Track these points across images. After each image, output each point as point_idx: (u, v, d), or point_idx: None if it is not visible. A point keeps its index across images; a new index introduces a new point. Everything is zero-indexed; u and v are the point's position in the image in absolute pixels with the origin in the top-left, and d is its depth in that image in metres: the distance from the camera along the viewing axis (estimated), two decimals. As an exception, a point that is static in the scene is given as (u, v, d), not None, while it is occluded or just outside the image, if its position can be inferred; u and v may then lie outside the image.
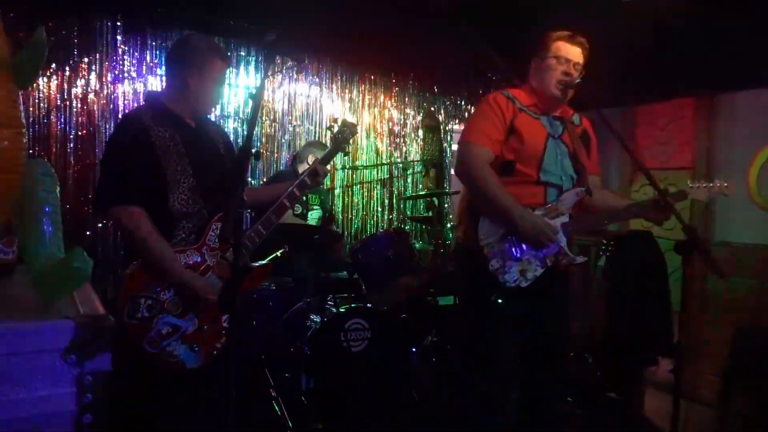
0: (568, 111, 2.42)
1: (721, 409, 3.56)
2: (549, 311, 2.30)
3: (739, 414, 3.39)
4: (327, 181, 4.47)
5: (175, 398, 1.99)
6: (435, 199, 4.74)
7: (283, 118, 4.28)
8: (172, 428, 1.95)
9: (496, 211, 2.19)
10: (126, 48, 3.61)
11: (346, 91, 4.55)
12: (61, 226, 1.77)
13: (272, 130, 4.26)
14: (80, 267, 1.69)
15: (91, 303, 1.76)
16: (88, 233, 3.49)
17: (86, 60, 3.48)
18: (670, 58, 3.60)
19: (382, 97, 4.73)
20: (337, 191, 4.56)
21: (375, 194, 4.75)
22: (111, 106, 3.57)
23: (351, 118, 4.55)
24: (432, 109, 5.00)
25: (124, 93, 3.62)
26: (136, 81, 3.66)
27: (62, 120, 3.44)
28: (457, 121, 5.08)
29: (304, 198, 3.74)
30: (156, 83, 3.70)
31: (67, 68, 3.43)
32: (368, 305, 3.11)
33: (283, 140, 4.29)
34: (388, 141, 4.80)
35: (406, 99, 4.86)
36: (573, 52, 2.29)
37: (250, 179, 4.05)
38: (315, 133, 4.38)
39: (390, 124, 4.80)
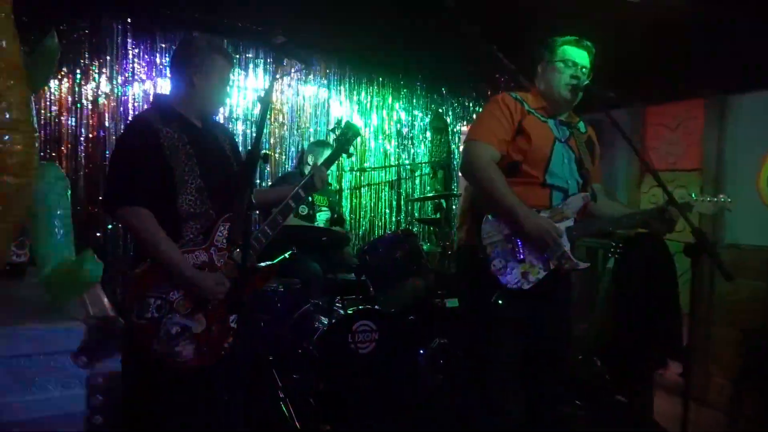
0: (574, 117, 2.41)
1: (731, 413, 3.54)
2: (551, 315, 2.28)
3: (749, 417, 3.37)
4: (335, 183, 4.48)
5: (183, 398, 2.00)
6: (443, 200, 4.75)
7: (291, 120, 4.30)
8: (180, 428, 1.97)
9: (500, 210, 2.16)
10: (136, 50, 3.64)
11: (355, 92, 4.56)
12: (72, 229, 1.78)
13: (280, 133, 4.27)
14: (91, 269, 1.70)
15: (101, 305, 1.78)
16: (98, 234, 3.52)
17: (97, 62, 3.52)
18: (679, 58, 3.58)
19: (390, 99, 4.74)
20: (345, 193, 4.57)
21: (383, 196, 4.76)
22: (121, 108, 3.61)
23: (359, 120, 4.56)
24: (440, 110, 5.01)
25: (134, 95, 3.65)
26: (146, 83, 3.69)
27: (73, 121, 3.47)
28: (465, 122, 5.08)
29: (310, 199, 3.76)
30: (165, 85, 3.73)
31: (78, 70, 3.46)
32: (376, 307, 3.11)
33: (291, 142, 4.30)
34: (396, 143, 4.81)
35: (414, 101, 4.87)
36: (580, 56, 2.28)
37: (258, 181, 4.06)
38: (323, 135, 4.39)
39: (398, 125, 4.81)
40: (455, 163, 5.06)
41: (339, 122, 2.45)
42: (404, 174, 4.87)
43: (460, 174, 4.86)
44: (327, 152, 3.83)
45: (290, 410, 2.82)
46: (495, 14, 3.25)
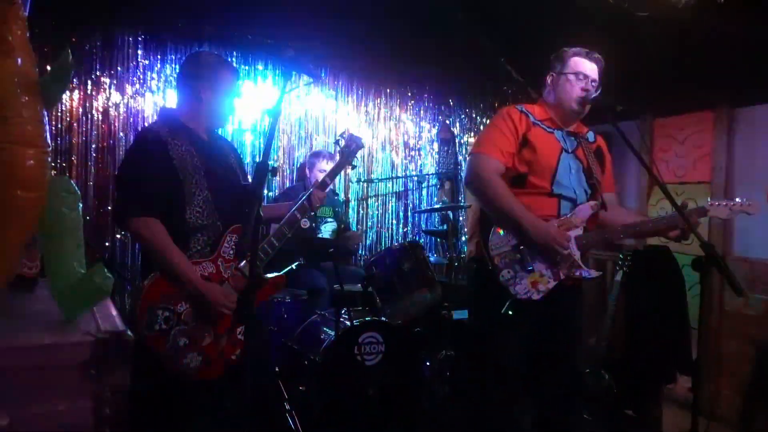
0: (582, 128, 2.42)
1: (741, 428, 3.50)
2: (561, 325, 2.28)
3: (760, 433, 3.33)
4: (341, 193, 4.49)
5: (191, 409, 2.01)
6: (450, 212, 4.75)
7: (299, 132, 4.32)
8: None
9: (506, 220, 2.16)
10: (146, 61, 3.68)
11: (362, 104, 4.58)
12: (83, 242, 1.80)
13: (288, 145, 4.29)
14: (101, 283, 1.72)
15: (111, 318, 1.79)
16: (106, 243, 3.54)
17: (108, 74, 3.55)
18: (688, 71, 3.57)
19: (397, 110, 4.76)
20: (352, 204, 4.58)
21: (390, 207, 4.76)
22: (131, 119, 3.64)
23: (367, 131, 4.58)
24: (447, 122, 5.02)
25: (144, 107, 3.68)
26: (157, 94, 3.72)
27: (83, 133, 3.51)
28: (472, 134, 5.09)
29: (312, 213, 3.76)
30: (175, 98, 3.75)
31: (89, 82, 3.50)
32: (382, 319, 3.11)
33: (299, 154, 4.32)
34: (403, 154, 4.82)
35: (422, 112, 4.88)
36: (590, 68, 2.29)
37: (266, 192, 4.08)
38: (331, 146, 4.41)
39: (405, 136, 4.82)
40: (462, 174, 5.05)
41: (342, 134, 2.46)
42: (411, 185, 4.88)
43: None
44: (324, 162, 3.85)
45: (296, 422, 2.82)
46: (504, 27, 3.26)
